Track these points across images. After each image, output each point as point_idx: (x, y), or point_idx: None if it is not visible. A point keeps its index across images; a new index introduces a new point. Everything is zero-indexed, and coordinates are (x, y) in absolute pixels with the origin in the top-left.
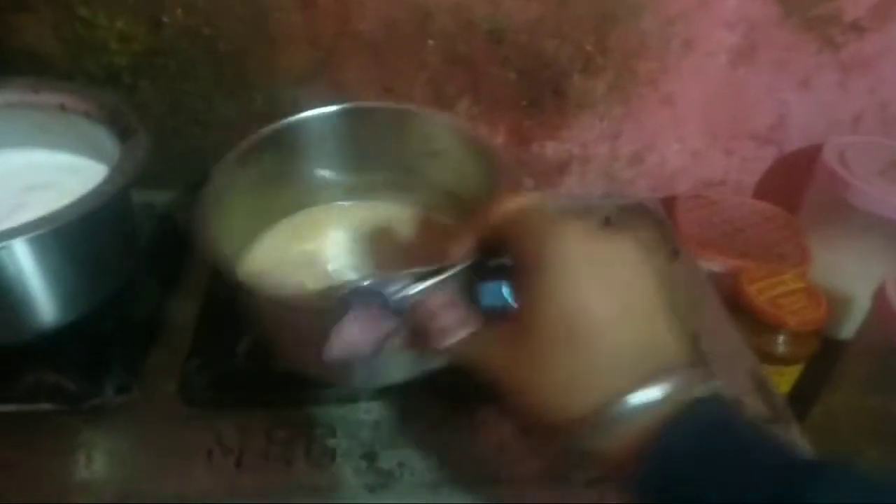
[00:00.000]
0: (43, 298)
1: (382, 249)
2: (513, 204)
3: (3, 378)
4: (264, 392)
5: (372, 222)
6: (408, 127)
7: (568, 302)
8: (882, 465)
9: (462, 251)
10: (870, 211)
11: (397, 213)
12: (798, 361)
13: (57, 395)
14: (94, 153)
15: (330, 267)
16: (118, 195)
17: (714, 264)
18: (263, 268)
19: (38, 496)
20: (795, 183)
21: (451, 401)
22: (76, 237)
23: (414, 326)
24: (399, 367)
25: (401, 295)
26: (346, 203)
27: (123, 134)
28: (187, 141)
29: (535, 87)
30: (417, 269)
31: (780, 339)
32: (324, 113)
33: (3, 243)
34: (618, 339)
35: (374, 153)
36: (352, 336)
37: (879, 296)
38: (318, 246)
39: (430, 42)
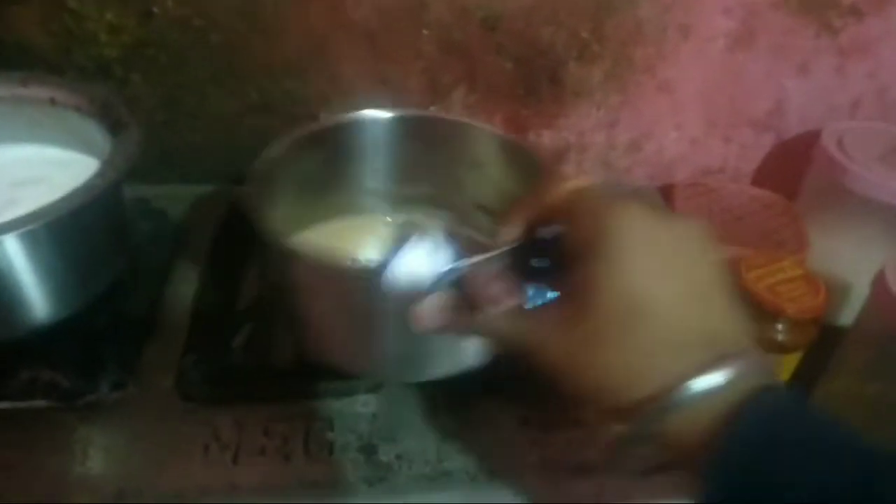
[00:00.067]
0: (35, 294)
1: None
2: (568, 185)
3: None
4: (261, 387)
5: None
6: (454, 138)
7: (629, 283)
8: None
9: (513, 231)
10: (869, 196)
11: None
12: (797, 349)
13: (52, 392)
14: (85, 147)
15: None
16: (110, 189)
17: None
18: None
19: (34, 494)
20: (794, 169)
21: (449, 392)
22: (68, 232)
23: (464, 295)
24: (443, 360)
25: (451, 266)
26: (387, 217)
27: (114, 128)
28: (180, 134)
29: (531, 76)
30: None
31: (779, 326)
32: (375, 117)
33: None
34: (680, 322)
35: (419, 164)
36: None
37: (878, 282)
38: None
39: (425, 31)
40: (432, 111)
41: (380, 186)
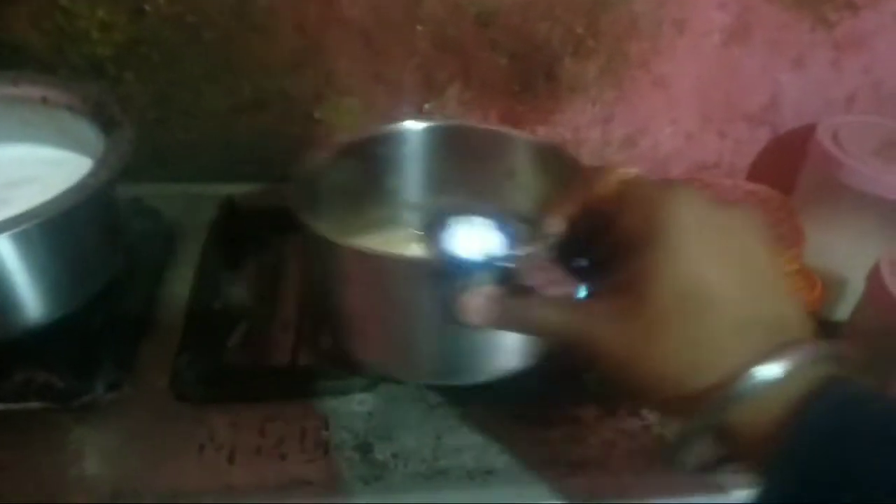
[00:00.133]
0: (29, 295)
1: None
2: (616, 176)
3: None
4: (256, 386)
5: None
6: (490, 147)
7: (688, 270)
8: None
9: (561, 222)
10: (864, 191)
11: None
12: None
13: (47, 392)
14: (78, 147)
15: None
16: (103, 189)
17: None
18: None
19: (30, 495)
20: (789, 164)
21: (445, 389)
22: (61, 232)
23: (513, 286)
24: (487, 362)
25: (503, 254)
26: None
27: (107, 126)
28: (173, 133)
29: (526, 71)
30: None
31: None
32: (410, 128)
33: None
34: (742, 309)
35: (454, 175)
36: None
37: (873, 276)
38: None
39: (419, 28)
40: (427, 108)
41: (415, 199)
